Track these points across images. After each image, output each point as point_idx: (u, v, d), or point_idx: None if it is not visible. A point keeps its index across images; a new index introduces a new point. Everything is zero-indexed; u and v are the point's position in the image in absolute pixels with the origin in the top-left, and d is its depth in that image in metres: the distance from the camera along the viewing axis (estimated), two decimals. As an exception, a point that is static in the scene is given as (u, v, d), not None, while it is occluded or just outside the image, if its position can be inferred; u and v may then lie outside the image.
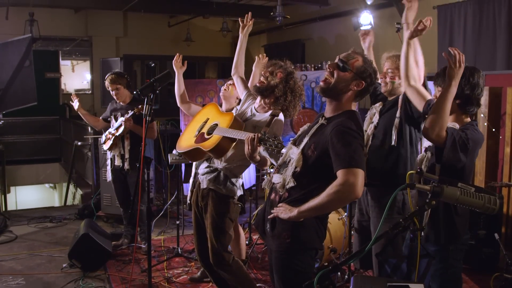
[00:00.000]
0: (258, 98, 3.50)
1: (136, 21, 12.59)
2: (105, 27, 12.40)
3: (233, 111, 3.74)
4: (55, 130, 11.43)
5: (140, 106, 4.87)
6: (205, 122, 3.57)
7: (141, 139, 5.21)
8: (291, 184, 2.55)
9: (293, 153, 2.64)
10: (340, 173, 2.34)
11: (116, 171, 5.26)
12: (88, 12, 12.12)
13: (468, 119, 2.74)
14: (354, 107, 2.63)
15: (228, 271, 3.56)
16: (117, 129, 5.13)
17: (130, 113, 4.97)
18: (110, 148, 5.21)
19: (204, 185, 3.54)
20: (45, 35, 10.58)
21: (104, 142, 5.30)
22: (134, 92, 5.19)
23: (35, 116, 10.79)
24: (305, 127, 2.77)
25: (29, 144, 11.10)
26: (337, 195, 2.34)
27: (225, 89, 4.29)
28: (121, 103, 5.26)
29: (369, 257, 3.22)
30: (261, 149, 2.95)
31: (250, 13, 3.82)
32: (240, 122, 3.37)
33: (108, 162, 5.33)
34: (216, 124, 3.41)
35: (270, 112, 3.37)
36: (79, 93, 15.22)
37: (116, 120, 5.23)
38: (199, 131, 3.52)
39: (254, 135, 2.87)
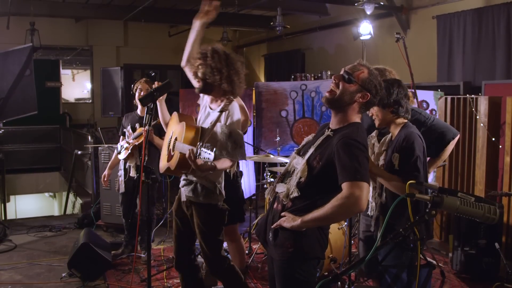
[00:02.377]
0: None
1: (137, 31, 12.64)
2: (106, 36, 12.46)
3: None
4: (55, 139, 11.44)
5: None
6: (171, 136, 3.52)
7: (158, 153, 5.20)
8: (295, 194, 2.56)
9: (297, 163, 2.66)
10: (345, 186, 2.36)
11: (129, 182, 5.17)
12: (88, 22, 12.18)
13: (404, 120, 3.04)
14: (359, 118, 2.64)
15: (225, 276, 3.54)
16: (136, 138, 5.02)
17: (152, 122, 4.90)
18: (127, 158, 5.10)
19: (183, 197, 3.47)
20: (45, 44, 10.61)
21: (119, 152, 5.17)
22: (135, 102, 5.22)
23: (35, 125, 10.82)
24: (310, 137, 2.78)
25: (29, 153, 11.10)
26: (341, 208, 2.36)
27: None
28: (139, 113, 5.23)
29: (374, 266, 3.21)
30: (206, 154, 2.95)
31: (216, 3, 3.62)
32: (194, 129, 3.30)
33: (122, 173, 5.20)
34: (176, 139, 3.37)
35: (219, 108, 3.32)
36: (79, 102, 15.32)
37: (134, 130, 5.14)
38: (168, 148, 3.48)
39: (190, 151, 2.93)
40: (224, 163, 3.23)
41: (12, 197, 11.21)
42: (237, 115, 3.33)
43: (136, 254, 5.23)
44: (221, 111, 3.30)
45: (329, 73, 8.67)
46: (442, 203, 2.06)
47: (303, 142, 2.80)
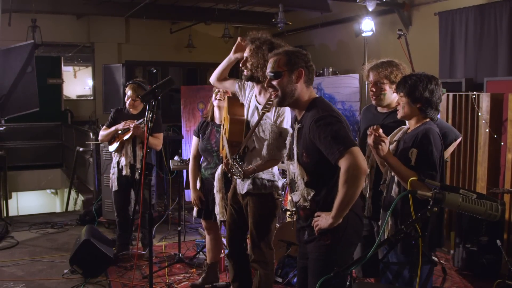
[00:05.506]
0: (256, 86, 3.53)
1: (138, 28, 12.62)
2: (107, 33, 12.44)
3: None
4: (57, 136, 11.44)
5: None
6: (223, 124, 3.70)
7: (151, 150, 5.21)
8: (311, 193, 2.63)
9: (294, 168, 2.73)
10: (340, 163, 2.44)
11: (123, 179, 5.18)
12: (90, 19, 12.16)
13: (428, 120, 2.91)
14: (310, 93, 2.70)
15: (264, 267, 3.55)
16: (124, 133, 5.05)
17: (140, 120, 4.90)
18: (116, 151, 5.12)
19: (242, 190, 3.52)
20: (47, 41, 10.58)
21: (110, 144, 5.19)
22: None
23: (37, 122, 10.80)
24: (289, 138, 2.86)
25: (31, 150, 11.10)
26: (349, 182, 2.43)
27: (220, 99, 4.26)
28: (131, 110, 5.21)
29: (371, 264, 3.21)
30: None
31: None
32: (239, 123, 3.45)
33: (114, 170, 5.19)
34: (225, 131, 3.56)
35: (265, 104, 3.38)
36: (81, 99, 15.32)
37: None
38: (222, 137, 3.68)
39: (225, 162, 3.30)
40: (266, 165, 3.37)
41: (14, 194, 11.21)
42: (287, 113, 3.38)
43: (137, 251, 5.24)
44: (265, 111, 3.33)
45: (331, 69, 8.65)
46: (444, 200, 2.06)
47: (287, 146, 2.87)
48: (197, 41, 12.80)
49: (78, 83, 17.60)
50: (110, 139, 5.16)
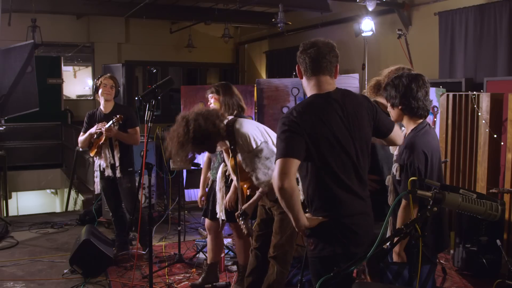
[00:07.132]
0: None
1: (138, 27, 12.63)
2: (107, 33, 12.45)
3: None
4: (57, 136, 11.45)
5: (118, 116, 4.84)
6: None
7: (129, 146, 5.21)
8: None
9: None
10: None
11: (107, 180, 5.17)
12: (90, 19, 12.18)
13: (420, 120, 2.89)
14: (312, 89, 2.71)
15: (282, 265, 3.55)
16: (99, 137, 5.05)
17: (110, 122, 4.90)
18: (95, 155, 5.14)
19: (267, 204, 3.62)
20: (47, 41, 10.61)
21: (90, 150, 5.21)
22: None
23: (37, 122, 10.82)
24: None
25: (31, 150, 11.11)
26: (275, 190, 2.42)
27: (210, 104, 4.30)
28: (102, 109, 5.18)
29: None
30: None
31: None
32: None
33: (97, 174, 5.20)
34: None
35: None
36: (81, 99, 15.33)
37: None
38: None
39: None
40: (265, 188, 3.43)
41: (14, 194, 11.22)
42: (246, 129, 3.40)
43: (137, 251, 5.24)
44: (234, 154, 3.45)
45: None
46: (444, 200, 2.06)
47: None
48: (197, 41, 12.81)
49: (78, 83, 17.63)
50: (88, 145, 5.18)
